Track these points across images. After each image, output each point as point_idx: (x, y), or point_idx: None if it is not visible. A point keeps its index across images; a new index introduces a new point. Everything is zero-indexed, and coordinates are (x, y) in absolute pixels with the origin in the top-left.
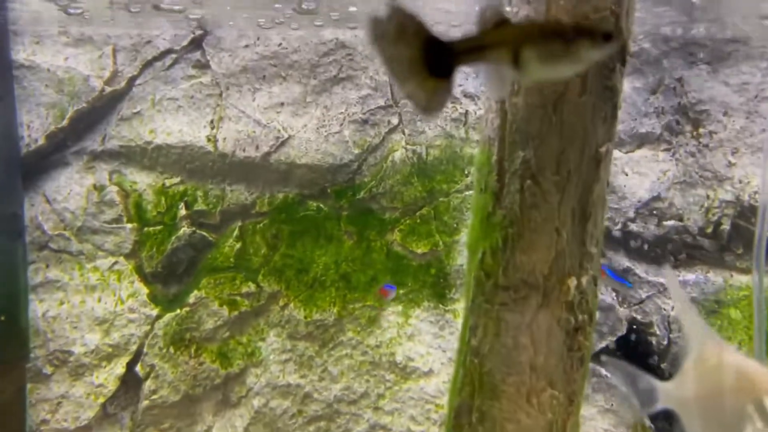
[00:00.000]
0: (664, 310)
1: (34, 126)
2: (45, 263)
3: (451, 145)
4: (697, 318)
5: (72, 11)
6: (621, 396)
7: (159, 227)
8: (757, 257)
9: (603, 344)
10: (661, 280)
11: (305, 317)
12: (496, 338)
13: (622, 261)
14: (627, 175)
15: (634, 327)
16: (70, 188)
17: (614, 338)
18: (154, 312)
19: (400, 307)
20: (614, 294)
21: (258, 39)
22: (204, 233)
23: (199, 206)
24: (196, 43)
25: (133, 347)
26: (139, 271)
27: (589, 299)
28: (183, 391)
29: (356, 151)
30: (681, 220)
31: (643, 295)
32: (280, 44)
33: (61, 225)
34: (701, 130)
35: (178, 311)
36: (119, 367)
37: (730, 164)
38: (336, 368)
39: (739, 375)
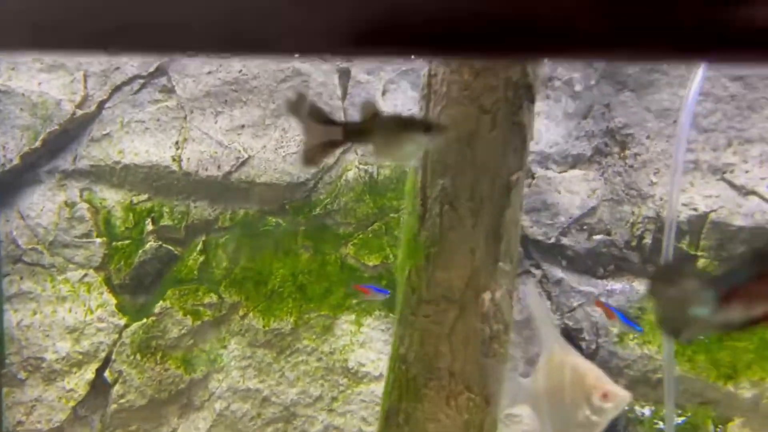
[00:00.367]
0: (593, 317)
1: (10, 147)
2: (19, 275)
3: (399, 165)
4: (550, 325)
5: None
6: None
7: (127, 241)
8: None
9: (538, 348)
10: (593, 289)
11: (264, 326)
12: (420, 347)
13: (556, 272)
14: (560, 193)
15: (567, 333)
16: (43, 205)
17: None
18: (122, 321)
19: (353, 316)
20: (548, 303)
21: (220, 66)
22: (170, 247)
23: (165, 222)
24: (162, 70)
25: (102, 354)
26: (108, 282)
27: (504, 311)
28: (149, 395)
29: (312, 171)
30: (609, 234)
31: (575, 304)
32: (241, 71)
33: (34, 239)
34: (627, 152)
35: (145, 320)
36: (89, 373)
37: (652, 183)
38: (293, 374)
39: (574, 373)
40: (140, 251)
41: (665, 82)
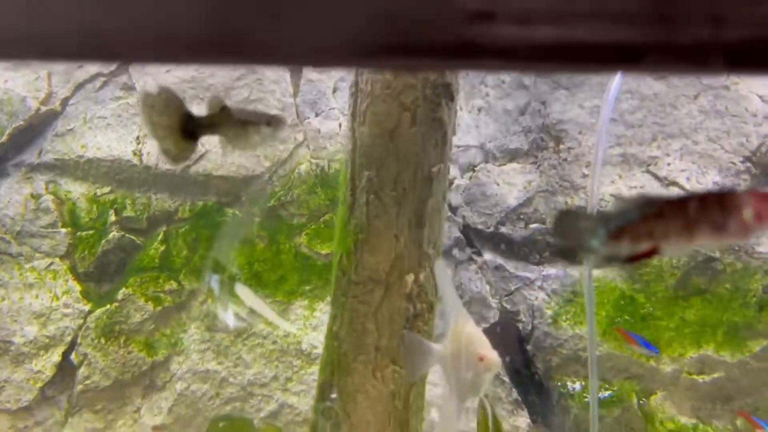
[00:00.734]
0: (530, 300)
1: None
2: None
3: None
4: (456, 299)
5: None
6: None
7: (91, 231)
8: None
9: (479, 328)
10: (529, 274)
11: (220, 308)
12: (350, 325)
13: (495, 259)
14: (499, 185)
15: (505, 315)
16: (10, 197)
17: (486, 324)
18: (87, 307)
19: (306, 302)
20: (487, 287)
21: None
22: (132, 237)
23: (128, 213)
24: (123, 68)
25: (68, 338)
26: (73, 270)
27: (428, 291)
28: (113, 377)
29: (267, 164)
30: (544, 223)
31: (513, 288)
32: (197, 69)
33: (2, 229)
34: (561, 146)
35: (108, 306)
36: (55, 356)
37: (584, 175)
38: (249, 356)
39: (467, 339)
40: (103, 241)
41: (596, 81)
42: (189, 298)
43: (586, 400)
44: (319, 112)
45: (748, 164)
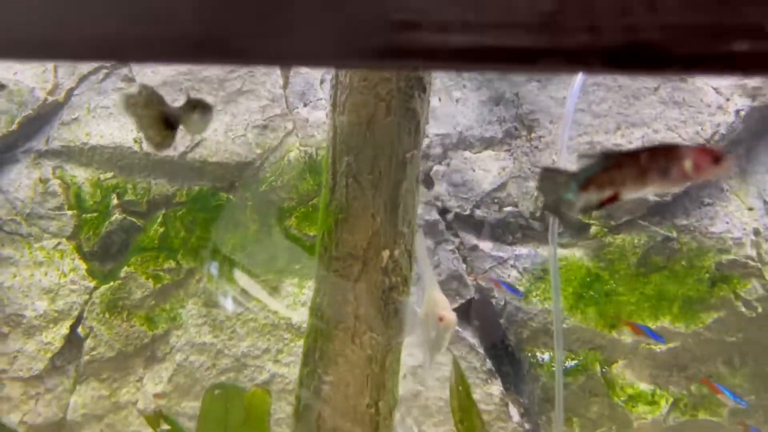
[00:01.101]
0: (503, 277)
1: None
2: (0, 243)
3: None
4: (429, 270)
5: None
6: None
7: (95, 214)
8: (552, 233)
9: (455, 304)
10: (502, 254)
11: (217, 289)
12: (331, 296)
13: (471, 240)
14: (475, 171)
15: (480, 291)
16: (20, 181)
17: (463, 300)
18: (92, 284)
19: (296, 280)
20: (464, 265)
21: None
22: (133, 219)
23: (129, 197)
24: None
25: (75, 313)
26: (79, 250)
27: (403, 266)
28: (117, 348)
29: (258, 152)
30: (516, 206)
31: (487, 267)
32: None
33: (13, 211)
34: (533, 135)
35: (112, 283)
36: (64, 329)
37: (554, 162)
38: (243, 330)
39: (434, 303)
40: (107, 223)
41: (565, 75)
42: (187, 277)
43: (554, 369)
44: (307, 102)
45: None
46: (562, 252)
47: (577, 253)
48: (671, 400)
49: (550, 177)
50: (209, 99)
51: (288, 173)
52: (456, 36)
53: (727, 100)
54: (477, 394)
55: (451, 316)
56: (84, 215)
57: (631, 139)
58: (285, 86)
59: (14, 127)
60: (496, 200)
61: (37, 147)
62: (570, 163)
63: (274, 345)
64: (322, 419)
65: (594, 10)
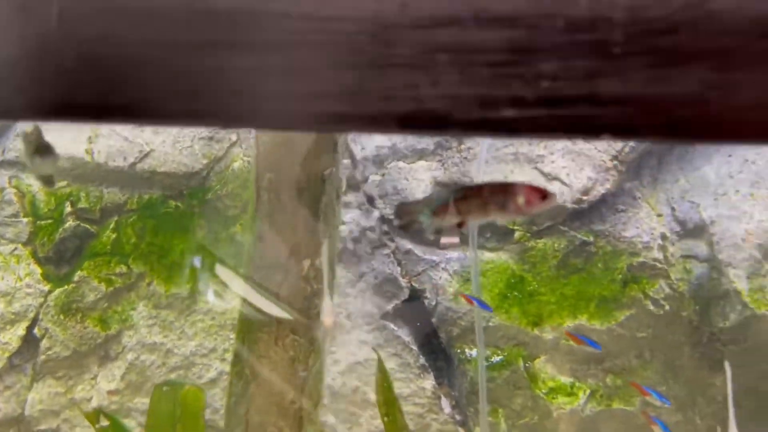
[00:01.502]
0: (434, 280)
1: None
2: None
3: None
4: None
5: None
6: None
7: (50, 221)
8: (472, 240)
9: (391, 305)
10: (434, 258)
11: (166, 291)
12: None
13: (406, 244)
14: (408, 180)
15: (414, 292)
16: None
17: (398, 301)
18: (47, 288)
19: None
20: (399, 269)
21: None
22: (87, 226)
23: (82, 204)
24: None
25: (31, 314)
26: (35, 255)
27: (324, 274)
28: (72, 348)
29: (205, 162)
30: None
31: (420, 270)
32: None
33: None
34: (462, 147)
35: (66, 287)
36: (20, 330)
37: (483, 172)
38: (191, 330)
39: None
40: (61, 229)
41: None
42: (137, 280)
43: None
44: None
45: (615, 162)
46: (489, 255)
47: (502, 257)
48: (588, 391)
49: (406, 206)
50: None
51: (232, 182)
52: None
53: None
54: (410, 388)
55: (328, 321)
56: (39, 222)
57: (552, 150)
58: None
59: None
60: None
61: None
62: (487, 174)
63: (221, 344)
64: (249, 414)
65: (389, 83)
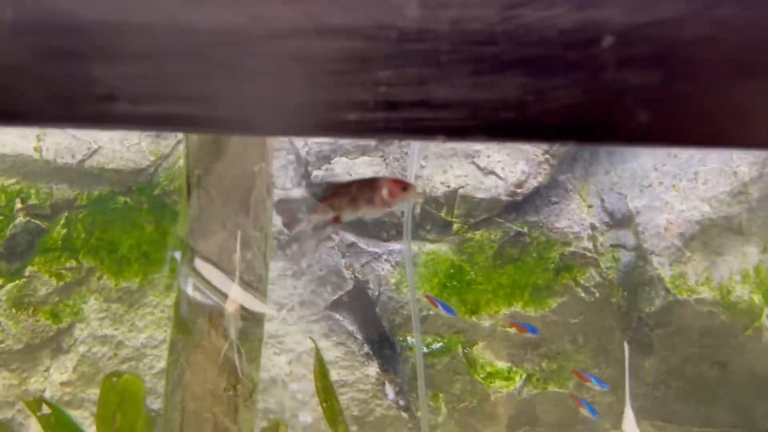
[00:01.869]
0: (377, 271)
1: None
2: None
3: None
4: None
5: None
6: None
7: (1, 218)
8: (406, 227)
9: (335, 296)
10: (377, 250)
11: (116, 285)
12: (187, 296)
13: (350, 237)
14: (351, 175)
15: (358, 284)
16: None
17: (343, 292)
18: None
19: None
20: (343, 261)
21: None
22: (37, 222)
23: (33, 201)
24: None
25: None
26: None
27: (257, 266)
28: (25, 341)
29: (152, 158)
30: (390, 207)
31: (364, 261)
32: None
33: None
34: (403, 143)
35: (18, 281)
36: None
37: (422, 167)
38: (141, 323)
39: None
40: (12, 225)
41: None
42: (88, 274)
43: (424, 351)
44: None
45: (547, 156)
46: (429, 247)
47: (442, 248)
48: (524, 375)
49: (285, 204)
50: None
51: (179, 178)
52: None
53: None
54: (355, 376)
55: (230, 308)
56: None
57: (488, 145)
58: None
59: None
60: None
61: None
62: (438, 167)
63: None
64: (185, 401)
65: (245, 90)
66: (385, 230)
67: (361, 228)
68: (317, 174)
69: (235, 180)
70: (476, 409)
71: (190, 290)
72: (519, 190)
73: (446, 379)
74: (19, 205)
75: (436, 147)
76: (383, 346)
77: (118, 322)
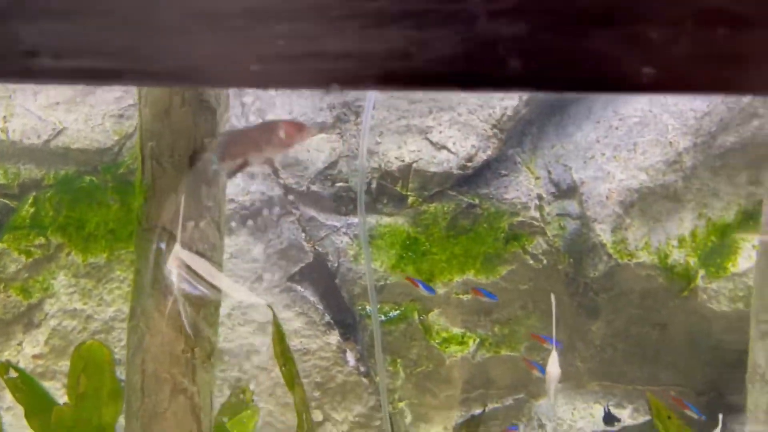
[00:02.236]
0: (336, 244)
1: None
2: None
3: None
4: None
5: None
6: None
7: None
8: (359, 200)
9: (296, 268)
10: (336, 223)
11: (84, 261)
12: (145, 261)
13: (309, 212)
14: (309, 152)
15: (318, 256)
16: None
17: (303, 264)
18: None
19: None
20: (303, 234)
21: None
22: (6, 201)
23: (1, 181)
24: None
25: None
26: None
27: (210, 235)
28: None
29: (116, 138)
30: (347, 182)
31: (323, 235)
32: None
33: None
34: (359, 120)
35: None
36: None
37: (377, 143)
38: (109, 297)
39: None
40: None
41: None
42: (56, 251)
43: (381, 318)
44: None
45: (496, 130)
46: (386, 220)
47: (398, 221)
48: (478, 340)
49: (198, 159)
50: (69, 92)
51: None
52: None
53: None
54: (316, 344)
55: (172, 264)
56: None
57: (441, 121)
58: None
59: None
60: (329, 177)
61: None
62: (392, 143)
63: None
64: (145, 363)
65: (162, 43)
66: (343, 204)
67: (320, 203)
68: None
69: (186, 151)
70: (432, 373)
71: (147, 258)
72: (470, 164)
73: (403, 345)
74: None
75: (391, 124)
76: (344, 315)
77: (87, 296)
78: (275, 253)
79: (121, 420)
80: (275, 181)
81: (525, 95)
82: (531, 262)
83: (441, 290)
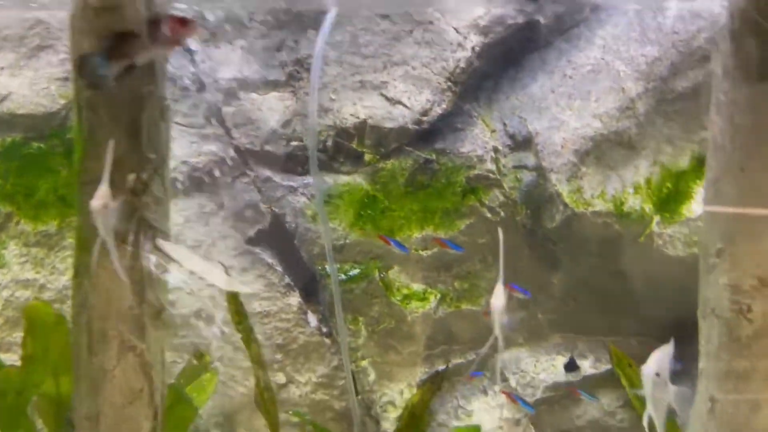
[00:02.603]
0: (293, 204)
1: None
2: None
3: None
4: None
5: None
6: None
7: None
8: (312, 164)
9: (254, 230)
10: (292, 183)
11: (34, 229)
12: (87, 215)
13: (265, 172)
14: (262, 111)
15: (275, 218)
16: None
17: (261, 226)
18: None
19: None
20: (259, 195)
21: None
22: None
23: None
24: None
25: None
26: None
27: (154, 187)
28: None
29: (62, 102)
30: (301, 141)
31: (279, 195)
32: None
33: None
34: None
35: None
36: None
37: (332, 100)
38: (62, 265)
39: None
40: None
41: (338, 21)
42: (5, 220)
43: (341, 277)
44: None
45: (450, 83)
46: (344, 178)
47: (357, 179)
48: (439, 296)
49: (85, 63)
50: (12, 56)
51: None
52: None
53: (465, 38)
54: (277, 306)
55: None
56: None
57: (395, 76)
58: None
59: None
60: (283, 136)
61: None
62: (347, 99)
63: None
64: (91, 321)
65: None
66: (299, 164)
67: (275, 163)
68: (227, 110)
69: (123, 102)
70: (394, 330)
71: (89, 211)
72: (425, 118)
73: (365, 303)
74: None
75: (345, 80)
76: (304, 276)
77: (40, 265)
78: (231, 216)
79: None
80: (228, 141)
81: (477, 46)
82: (488, 215)
83: None
